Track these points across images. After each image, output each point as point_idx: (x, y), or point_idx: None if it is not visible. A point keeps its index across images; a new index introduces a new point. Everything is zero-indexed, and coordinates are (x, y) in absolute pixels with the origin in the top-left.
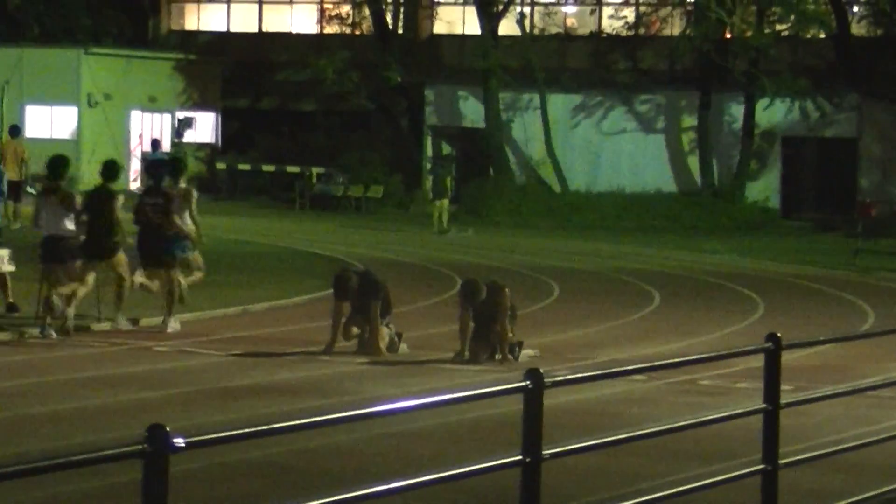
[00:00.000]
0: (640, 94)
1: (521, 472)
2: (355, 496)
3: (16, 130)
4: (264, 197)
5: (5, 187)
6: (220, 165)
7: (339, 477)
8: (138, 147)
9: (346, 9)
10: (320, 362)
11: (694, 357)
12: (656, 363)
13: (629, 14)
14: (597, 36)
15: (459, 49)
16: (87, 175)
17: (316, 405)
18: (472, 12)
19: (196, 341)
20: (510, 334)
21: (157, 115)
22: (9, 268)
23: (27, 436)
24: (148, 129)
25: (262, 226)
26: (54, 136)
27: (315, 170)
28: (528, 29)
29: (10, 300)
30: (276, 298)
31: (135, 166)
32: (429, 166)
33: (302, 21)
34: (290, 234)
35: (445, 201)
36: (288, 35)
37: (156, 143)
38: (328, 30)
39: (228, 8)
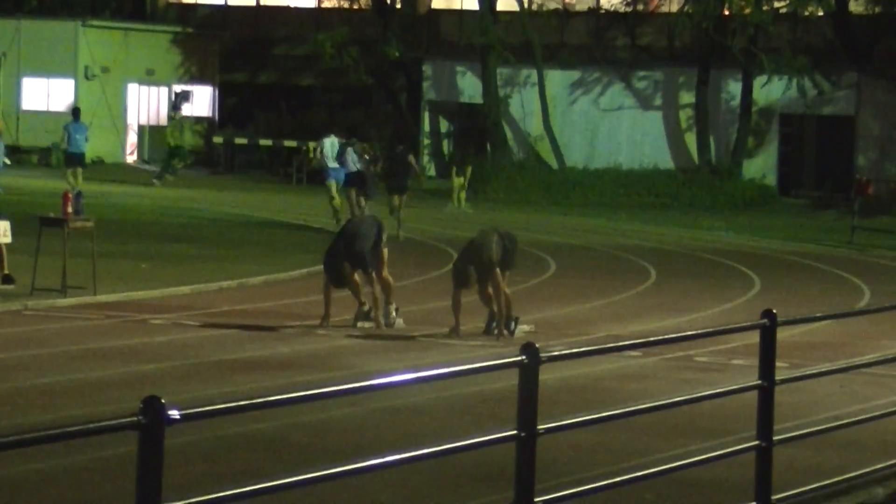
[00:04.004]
0: (639, 71)
1: (516, 446)
2: (353, 469)
3: None
4: (262, 171)
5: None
6: (218, 140)
7: (338, 451)
8: (135, 122)
9: None
10: (317, 336)
11: (690, 333)
12: (652, 339)
13: None
14: (595, 12)
15: (458, 24)
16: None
17: (313, 379)
18: None
19: (193, 314)
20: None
21: (154, 89)
22: (6, 239)
23: (23, 408)
24: (145, 102)
25: (260, 200)
26: (51, 109)
27: (312, 145)
28: (526, 4)
29: (6, 272)
30: (273, 272)
31: (131, 139)
32: (427, 141)
33: None
34: (288, 209)
35: (461, 179)
36: (286, 9)
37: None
38: (326, 4)
39: None
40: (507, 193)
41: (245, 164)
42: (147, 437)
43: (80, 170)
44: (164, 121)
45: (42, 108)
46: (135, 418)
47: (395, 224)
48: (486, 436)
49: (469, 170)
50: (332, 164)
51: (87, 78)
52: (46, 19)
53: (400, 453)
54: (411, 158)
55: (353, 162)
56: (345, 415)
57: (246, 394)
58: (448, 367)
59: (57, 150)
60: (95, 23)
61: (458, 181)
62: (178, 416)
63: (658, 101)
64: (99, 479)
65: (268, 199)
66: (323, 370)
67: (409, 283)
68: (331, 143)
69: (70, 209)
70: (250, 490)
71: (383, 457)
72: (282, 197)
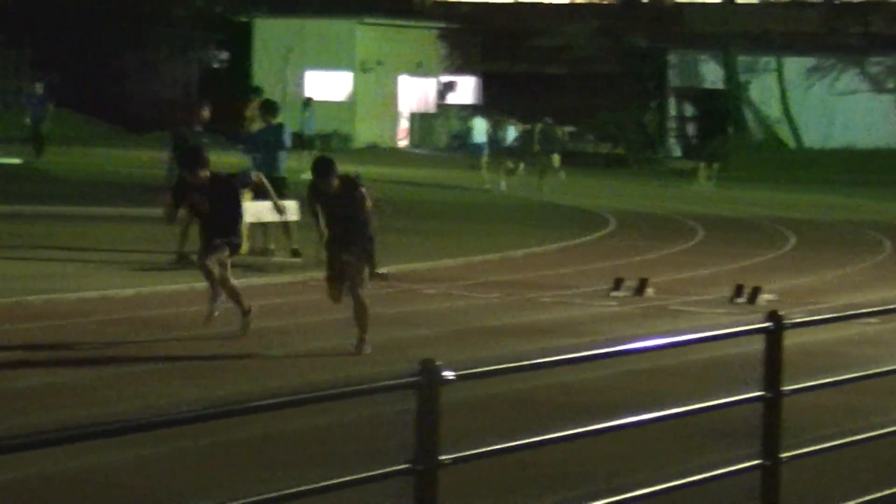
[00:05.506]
0: (872, 57)
1: (763, 406)
2: (608, 427)
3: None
4: (522, 154)
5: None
6: None
7: (589, 409)
8: (406, 111)
9: None
10: (573, 304)
11: None
12: (889, 307)
13: None
14: (830, 2)
15: (700, 16)
16: (361, 134)
17: (568, 343)
18: None
19: (460, 284)
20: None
21: (422, 80)
22: (294, 217)
23: (308, 369)
24: (415, 92)
25: (519, 180)
26: (331, 99)
27: (566, 128)
28: None
29: (294, 247)
30: (532, 246)
31: (402, 126)
32: (672, 125)
33: None
34: (544, 188)
35: (707, 172)
36: (541, 5)
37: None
38: None
39: None
40: (748, 172)
41: (507, 148)
42: (425, 396)
43: (306, 153)
44: (432, 109)
45: (324, 98)
46: (414, 378)
47: (542, 184)
48: (732, 397)
49: (716, 166)
50: (481, 139)
51: (363, 71)
52: (327, 18)
53: (648, 412)
54: (557, 131)
55: (510, 137)
56: (596, 376)
57: (509, 357)
58: (696, 332)
59: (336, 136)
60: (370, 20)
61: (704, 173)
62: (452, 377)
63: (891, 85)
64: (374, 433)
65: (526, 179)
66: (576, 335)
67: (659, 255)
68: (479, 122)
69: None
70: (513, 445)
71: (635, 415)
72: (537, 178)
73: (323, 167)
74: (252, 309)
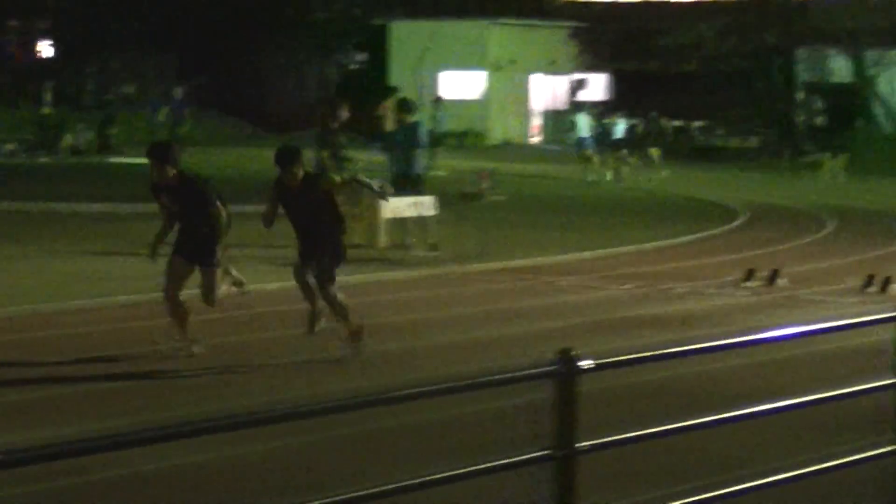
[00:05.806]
0: None
1: (895, 394)
2: (741, 415)
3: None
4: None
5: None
6: (609, 122)
7: (724, 399)
8: (538, 108)
9: None
10: (706, 295)
11: None
12: None
13: None
14: None
15: (828, 11)
16: (494, 131)
17: (702, 333)
18: None
19: (596, 276)
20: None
21: (554, 78)
22: (431, 212)
23: (449, 360)
24: (546, 90)
25: (652, 175)
26: (465, 98)
27: (696, 123)
28: None
29: (432, 241)
30: (664, 238)
31: (534, 122)
32: (802, 117)
33: None
34: (677, 182)
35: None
36: (670, 3)
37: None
38: None
39: None
40: (878, 164)
41: (637, 142)
42: (563, 385)
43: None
44: (564, 106)
45: (458, 97)
46: (552, 368)
47: (656, 177)
48: (862, 385)
49: (846, 157)
50: (584, 134)
51: (496, 70)
52: (460, 20)
53: (780, 401)
54: (662, 123)
55: (619, 132)
56: (729, 366)
57: (643, 346)
58: (829, 322)
59: (471, 133)
60: (502, 21)
61: (829, 164)
62: (590, 366)
63: None
64: (506, 423)
65: (656, 174)
66: (709, 326)
67: (791, 245)
68: (582, 118)
69: (485, 185)
70: (648, 433)
71: (766, 404)
72: (669, 171)
73: (281, 156)
74: (191, 337)
